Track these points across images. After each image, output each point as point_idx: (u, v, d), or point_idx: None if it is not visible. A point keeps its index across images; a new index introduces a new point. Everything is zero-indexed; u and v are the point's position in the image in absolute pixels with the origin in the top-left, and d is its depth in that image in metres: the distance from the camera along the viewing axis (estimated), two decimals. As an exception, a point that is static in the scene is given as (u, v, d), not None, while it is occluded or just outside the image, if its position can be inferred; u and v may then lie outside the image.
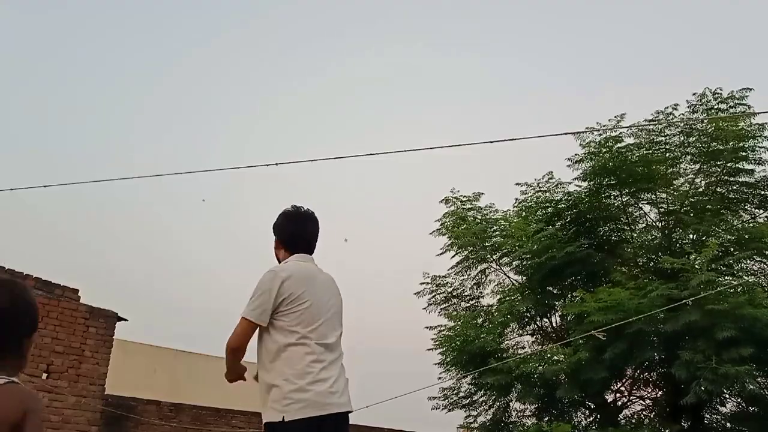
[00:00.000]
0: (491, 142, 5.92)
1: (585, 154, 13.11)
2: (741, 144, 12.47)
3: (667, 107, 12.68)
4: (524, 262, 13.89)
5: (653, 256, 13.36)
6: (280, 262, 3.08)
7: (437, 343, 14.21)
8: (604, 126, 12.56)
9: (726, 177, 13.14)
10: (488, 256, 14.45)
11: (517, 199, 14.53)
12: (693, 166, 13.20)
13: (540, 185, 14.13)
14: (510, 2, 33.28)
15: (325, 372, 2.74)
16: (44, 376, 9.66)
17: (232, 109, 35.05)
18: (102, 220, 30.30)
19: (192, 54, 33.30)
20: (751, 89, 12.12)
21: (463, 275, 14.84)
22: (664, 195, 13.32)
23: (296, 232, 3.10)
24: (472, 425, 14.36)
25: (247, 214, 35.68)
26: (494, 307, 14.56)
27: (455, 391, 14.42)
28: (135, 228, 31.27)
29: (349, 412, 2.83)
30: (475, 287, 15.05)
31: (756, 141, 12.52)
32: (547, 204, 14.01)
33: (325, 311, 2.88)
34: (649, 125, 12.85)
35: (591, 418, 13.68)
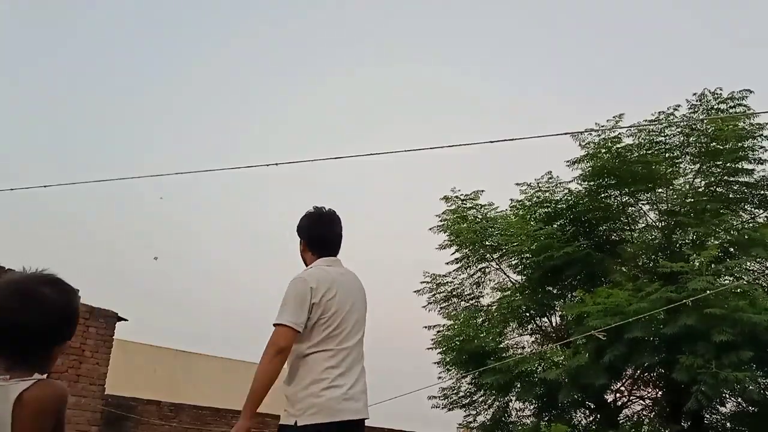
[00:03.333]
0: (491, 142, 5.93)
1: (584, 154, 13.12)
2: (740, 144, 12.49)
3: (669, 107, 12.71)
4: (524, 261, 13.89)
5: (653, 256, 13.36)
6: (307, 263, 3.12)
7: (436, 343, 14.22)
8: (603, 126, 12.57)
9: (726, 177, 13.14)
10: (488, 254, 14.46)
11: (512, 199, 14.56)
12: (693, 166, 13.21)
13: (540, 185, 14.15)
14: (511, 6, 33.38)
15: (341, 378, 2.77)
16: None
17: (251, 112, 35.29)
18: (102, 220, 30.34)
19: (220, 54, 33.49)
20: (751, 91, 12.18)
21: (462, 274, 14.87)
22: (663, 195, 13.32)
23: (321, 233, 3.13)
24: (472, 424, 14.38)
25: (248, 213, 35.72)
26: (494, 307, 14.56)
27: (455, 391, 14.43)
28: (136, 228, 31.29)
29: (365, 419, 2.85)
30: (474, 286, 15.07)
31: (755, 141, 12.54)
32: (547, 204, 14.01)
33: (349, 316, 2.91)
34: (648, 125, 12.84)
35: (591, 418, 13.68)
